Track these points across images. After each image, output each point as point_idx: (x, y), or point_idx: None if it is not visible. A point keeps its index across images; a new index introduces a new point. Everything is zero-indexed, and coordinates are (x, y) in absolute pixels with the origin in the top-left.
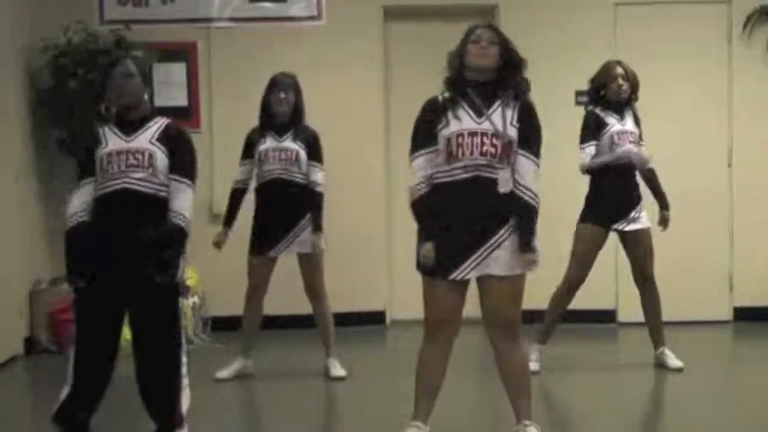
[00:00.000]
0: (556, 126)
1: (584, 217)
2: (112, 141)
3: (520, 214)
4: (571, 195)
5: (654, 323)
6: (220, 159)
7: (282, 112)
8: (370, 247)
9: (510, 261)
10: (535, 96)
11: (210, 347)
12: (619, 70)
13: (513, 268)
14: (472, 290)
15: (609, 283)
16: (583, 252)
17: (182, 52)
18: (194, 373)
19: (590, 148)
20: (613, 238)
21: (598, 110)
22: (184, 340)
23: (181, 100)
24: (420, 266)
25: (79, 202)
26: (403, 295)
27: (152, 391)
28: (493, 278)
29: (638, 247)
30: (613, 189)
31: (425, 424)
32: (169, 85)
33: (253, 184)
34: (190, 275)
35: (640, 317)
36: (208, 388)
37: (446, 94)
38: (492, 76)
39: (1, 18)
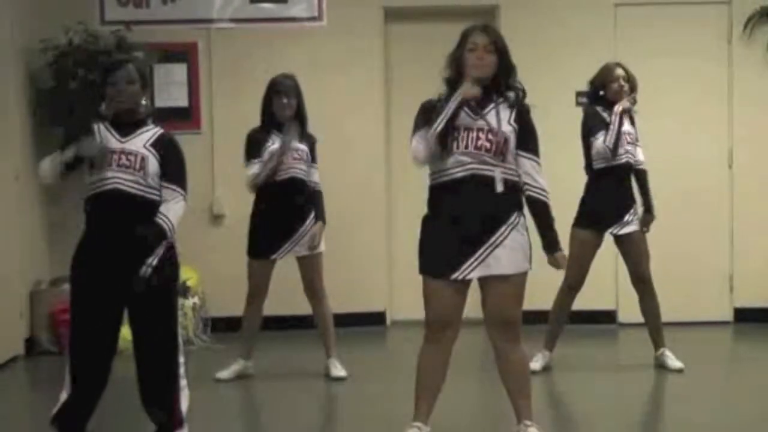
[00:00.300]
0: (556, 126)
1: (578, 221)
2: (106, 140)
3: (539, 216)
4: (571, 195)
5: (654, 325)
6: (221, 160)
7: (286, 117)
8: (370, 248)
9: (512, 259)
10: (535, 96)
11: (210, 348)
12: (620, 71)
13: (515, 266)
14: (473, 290)
15: (609, 283)
16: (579, 255)
17: (183, 53)
18: (194, 374)
19: (600, 137)
20: (612, 239)
21: (598, 109)
22: (180, 341)
23: (181, 100)
24: (420, 267)
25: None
26: (403, 295)
27: (150, 392)
28: (496, 278)
29: (633, 250)
30: (608, 192)
31: (426, 425)
32: (170, 86)
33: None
34: (190, 276)
35: (641, 318)
36: (208, 389)
37: (443, 94)
38: (488, 80)
39: (2, 18)
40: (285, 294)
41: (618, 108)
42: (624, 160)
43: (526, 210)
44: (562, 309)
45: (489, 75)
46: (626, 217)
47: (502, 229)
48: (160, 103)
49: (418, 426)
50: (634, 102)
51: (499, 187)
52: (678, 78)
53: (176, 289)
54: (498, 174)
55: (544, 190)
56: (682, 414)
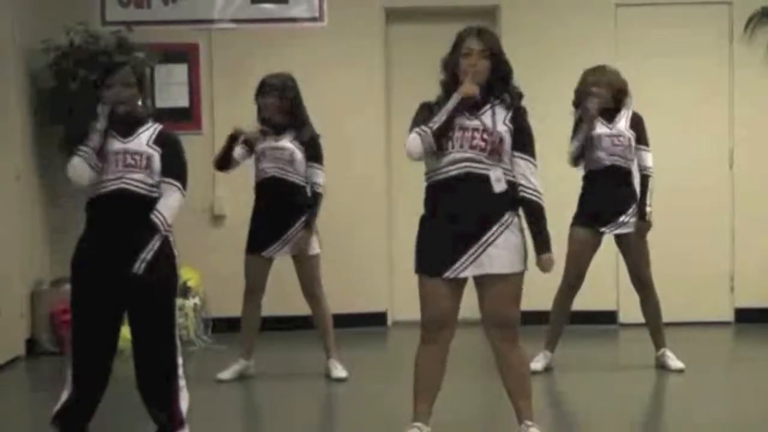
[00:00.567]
0: (556, 126)
1: (575, 220)
2: (109, 141)
3: (532, 216)
4: (570, 195)
5: (654, 325)
6: None
7: (268, 117)
8: (371, 248)
9: (505, 259)
10: (536, 96)
11: (211, 348)
12: (591, 78)
13: (509, 266)
14: (472, 291)
15: (610, 284)
16: (576, 254)
17: (184, 54)
18: (195, 374)
19: (574, 142)
20: (612, 239)
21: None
22: (179, 342)
23: (182, 101)
24: (416, 266)
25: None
26: (404, 296)
27: (150, 392)
28: (491, 278)
29: (631, 251)
30: (602, 192)
31: (426, 425)
32: (171, 86)
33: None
34: (191, 276)
35: (641, 318)
36: (209, 389)
37: (441, 96)
38: (483, 83)
39: (3, 18)
40: (285, 294)
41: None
42: (609, 163)
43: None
44: (561, 309)
45: (483, 80)
46: (622, 218)
47: (495, 228)
48: (160, 103)
49: (419, 426)
50: (592, 108)
51: (497, 188)
52: (679, 78)
53: (175, 289)
54: (494, 174)
55: (538, 192)
56: (683, 414)
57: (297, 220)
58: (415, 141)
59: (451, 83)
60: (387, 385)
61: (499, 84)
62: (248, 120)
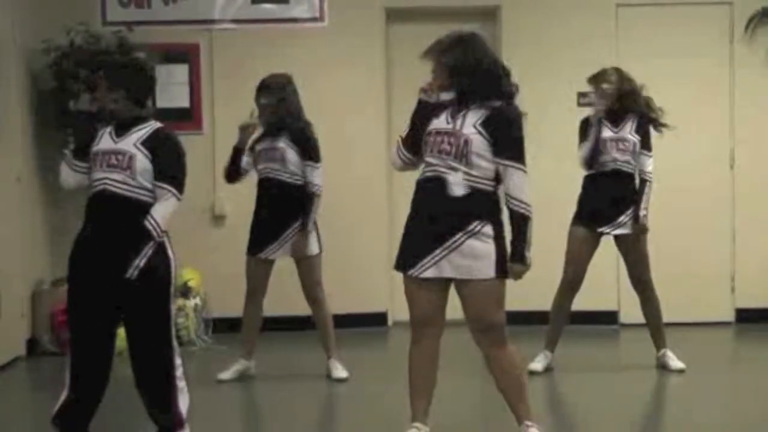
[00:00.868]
0: (557, 127)
1: (574, 220)
2: (104, 140)
3: (512, 225)
4: (570, 195)
5: (655, 326)
6: (222, 160)
7: (264, 118)
8: (371, 249)
9: (467, 265)
10: (536, 97)
11: (211, 349)
12: (601, 80)
13: (471, 272)
14: None
15: (611, 284)
16: (575, 254)
17: (184, 54)
18: (196, 375)
19: (584, 146)
20: (613, 240)
21: (593, 119)
22: (175, 343)
23: (183, 101)
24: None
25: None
26: (404, 296)
27: (148, 393)
28: (464, 282)
29: (631, 252)
30: (601, 192)
31: (424, 425)
32: (172, 87)
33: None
34: (191, 276)
35: (642, 319)
36: (209, 390)
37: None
38: (459, 88)
39: (4, 19)
40: (285, 294)
41: (594, 118)
42: (611, 168)
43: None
44: (561, 309)
45: (443, 91)
46: (621, 218)
47: (458, 235)
48: (161, 104)
49: (417, 426)
50: (602, 110)
51: (456, 191)
52: (679, 78)
53: (171, 291)
54: (453, 177)
55: (521, 201)
56: (684, 414)
57: (293, 220)
58: (393, 154)
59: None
60: (387, 385)
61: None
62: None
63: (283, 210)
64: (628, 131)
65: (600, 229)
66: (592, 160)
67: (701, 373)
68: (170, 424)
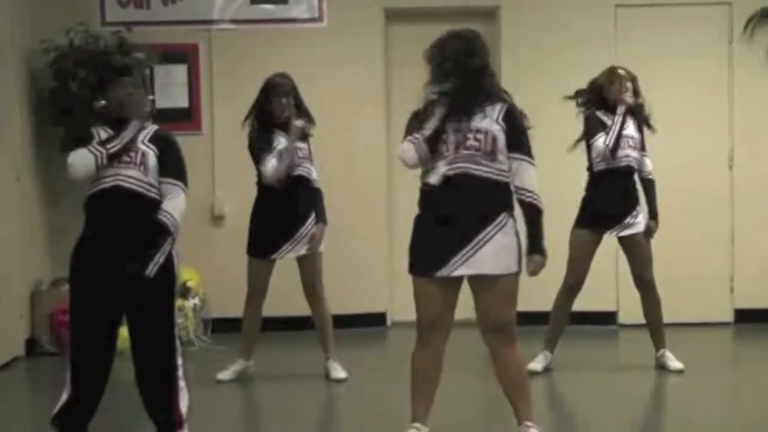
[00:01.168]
0: (557, 127)
1: (579, 222)
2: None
3: (528, 218)
4: (571, 195)
5: (655, 326)
6: (222, 161)
7: (284, 117)
8: (371, 249)
9: (498, 259)
10: (536, 97)
11: (211, 349)
12: (622, 72)
13: (502, 266)
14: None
15: (610, 285)
16: (578, 256)
17: (183, 54)
18: (195, 375)
19: (600, 138)
20: (613, 240)
21: (599, 113)
22: (178, 343)
23: (182, 101)
24: (410, 266)
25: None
26: (403, 296)
27: (149, 393)
28: (484, 279)
29: (635, 252)
30: (609, 193)
31: (424, 425)
32: (171, 87)
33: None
34: (191, 276)
35: (641, 319)
36: (209, 390)
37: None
38: (463, 85)
39: (3, 19)
40: (285, 294)
41: (621, 109)
42: (624, 164)
43: (518, 212)
44: (562, 310)
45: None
46: (628, 219)
47: (489, 228)
48: (160, 104)
49: (417, 427)
50: (637, 105)
51: (485, 184)
52: (679, 78)
53: (174, 291)
54: (481, 172)
55: (533, 193)
56: (683, 414)
57: (308, 217)
58: (409, 149)
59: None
60: (387, 386)
61: (486, 86)
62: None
63: (305, 208)
64: (632, 129)
65: (608, 232)
66: (613, 153)
67: (700, 373)
68: (170, 424)
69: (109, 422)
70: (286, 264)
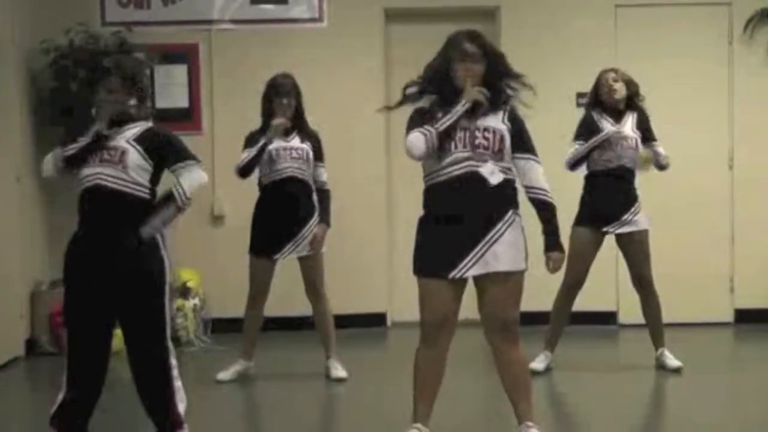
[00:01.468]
0: (557, 127)
1: (578, 220)
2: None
3: (543, 215)
4: (571, 195)
5: (654, 325)
6: (222, 161)
7: (286, 117)
8: (371, 249)
9: (510, 256)
10: (536, 97)
11: (210, 349)
12: (611, 73)
13: (513, 263)
14: (473, 290)
15: (610, 284)
16: (578, 255)
17: (183, 54)
18: (195, 375)
19: (575, 145)
20: (612, 240)
21: (594, 113)
22: (170, 343)
23: (182, 101)
24: (416, 267)
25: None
26: (404, 296)
27: (146, 393)
28: (493, 278)
29: (633, 250)
30: (606, 191)
31: (425, 426)
32: (171, 87)
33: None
34: (191, 277)
35: (641, 319)
36: (208, 390)
37: (434, 99)
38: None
39: (3, 19)
40: (285, 294)
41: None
42: (615, 165)
43: (523, 210)
44: (562, 309)
45: (478, 84)
46: (625, 216)
47: (499, 225)
48: (160, 104)
49: (418, 427)
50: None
51: (492, 180)
52: (678, 78)
53: (165, 291)
54: (485, 168)
55: (544, 190)
56: (683, 414)
57: (310, 218)
58: (418, 140)
59: (444, 86)
60: (387, 385)
61: (496, 83)
62: (248, 120)
63: (305, 208)
64: (630, 128)
65: (605, 229)
66: (576, 166)
67: (700, 373)
68: (169, 425)
69: (108, 422)
70: (286, 264)
